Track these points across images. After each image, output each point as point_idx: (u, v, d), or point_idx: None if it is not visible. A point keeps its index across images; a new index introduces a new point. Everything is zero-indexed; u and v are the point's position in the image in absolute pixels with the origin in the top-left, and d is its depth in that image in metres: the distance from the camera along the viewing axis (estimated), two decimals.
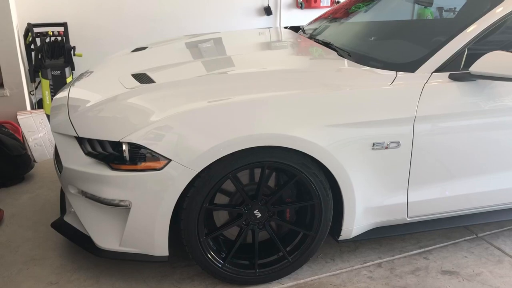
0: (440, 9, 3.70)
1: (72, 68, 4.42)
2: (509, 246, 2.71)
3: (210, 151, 2.03)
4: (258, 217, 2.27)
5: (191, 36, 3.54)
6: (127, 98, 2.25)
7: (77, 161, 2.21)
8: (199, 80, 2.39)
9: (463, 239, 2.78)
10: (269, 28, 3.80)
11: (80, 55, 4.43)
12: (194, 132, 2.05)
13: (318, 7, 5.50)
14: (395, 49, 2.68)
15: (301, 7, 5.53)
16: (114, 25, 4.81)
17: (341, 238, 2.39)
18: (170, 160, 2.03)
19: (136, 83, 2.41)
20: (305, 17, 5.50)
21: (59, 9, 4.55)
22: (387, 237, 2.72)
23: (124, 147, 2.08)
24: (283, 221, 2.36)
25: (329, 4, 5.56)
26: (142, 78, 2.46)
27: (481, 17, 2.36)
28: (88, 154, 2.19)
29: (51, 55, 4.30)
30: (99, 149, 2.17)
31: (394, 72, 2.31)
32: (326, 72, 2.44)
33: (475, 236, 2.81)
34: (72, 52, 4.37)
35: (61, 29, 4.37)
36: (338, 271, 2.46)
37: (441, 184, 2.44)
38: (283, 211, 2.37)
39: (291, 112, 2.13)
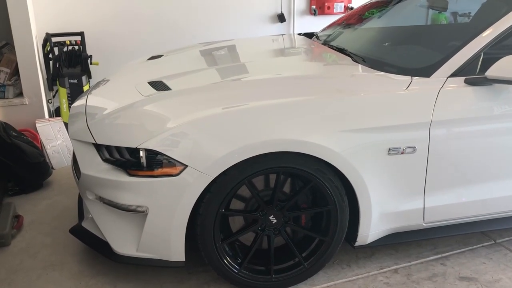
0: (454, 14, 3.68)
1: (89, 77, 4.49)
2: None
3: (225, 157, 2.04)
4: (273, 222, 2.28)
5: (206, 44, 3.58)
6: (143, 105, 2.29)
7: (95, 167, 2.24)
8: (214, 87, 2.42)
9: (480, 245, 2.75)
10: (282, 35, 3.82)
11: (96, 64, 4.49)
12: (209, 138, 2.07)
13: (332, 13, 5.51)
14: (410, 54, 2.67)
15: (314, 14, 5.54)
16: (130, 34, 4.88)
17: (357, 244, 2.38)
18: (186, 166, 2.05)
19: (152, 90, 2.44)
20: (318, 24, 5.52)
21: (76, 19, 4.64)
22: (403, 242, 2.70)
23: (141, 153, 2.11)
24: (299, 226, 2.36)
25: (342, 11, 5.57)
26: (159, 85, 2.50)
27: (497, 21, 2.35)
28: (105, 160, 2.22)
29: (69, 64, 4.38)
30: (117, 156, 2.20)
31: (409, 77, 2.31)
32: (341, 77, 2.45)
33: (493, 242, 2.78)
34: (88, 60, 4.44)
35: (78, 38, 4.45)
36: (354, 277, 2.45)
37: (458, 189, 2.42)
38: (299, 216, 2.37)
39: (306, 118, 2.13)
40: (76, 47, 4.42)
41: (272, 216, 2.27)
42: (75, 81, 4.33)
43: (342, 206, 2.26)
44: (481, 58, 2.33)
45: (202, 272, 2.46)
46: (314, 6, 5.53)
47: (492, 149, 2.37)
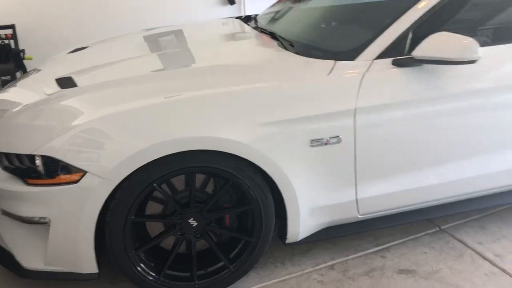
0: None
1: (24, 72, 4.23)
2: (471, 237, 2.57)
3: (128, 159, 1.86)
4: (194, 225, 2.11)
5: (140, 32, 3.36)
6: (41, 106, 2.08)
7: None
8: (124, 81, 2.20)
9: (424, 233, 2.63)
10: (230, 17, 3.61)
11: (30, 58, 4.23)
12: (110, 140, 1.87)
13: None
14: (337, 36, 2.50)
15: None
16: (67, 25, 4.60)
17: (288, 241, 2.23)
18: (86, 172, 1.87)
19: (57, 88, 2.23)
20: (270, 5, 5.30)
21: (7, 11, 4.34)
22: (342, 236, 2.57)
23: (37, 160, 1.91)
24: (222, 228, 2.20)
25: None
26: (65, 82, 2.29)
27: None
28: (5, 168, 2.03)
29: None
30: (17, 163, 2.00)
31: (332, 62, 2.14)
32: (259, 66, 2.26)
33: (437, 229, 2.66)
34: (21, 55, 4.17)
35: (10, 31, 4.17)
36: (287, 276, 2.31)
37: (392, 178, 2.28)
38: (223, 217, 2.21)
39: (218, 112, 1.96)
40: (7, 41, 4.15)
41: (192, 219, 2.11)
42: (8, 77, 4.08)
43: (265, 204, 2.10)
44: (410, 37, 2.17)
45: (125, 281, 2.29)
46: None
47: (425, 133, 2.22)
